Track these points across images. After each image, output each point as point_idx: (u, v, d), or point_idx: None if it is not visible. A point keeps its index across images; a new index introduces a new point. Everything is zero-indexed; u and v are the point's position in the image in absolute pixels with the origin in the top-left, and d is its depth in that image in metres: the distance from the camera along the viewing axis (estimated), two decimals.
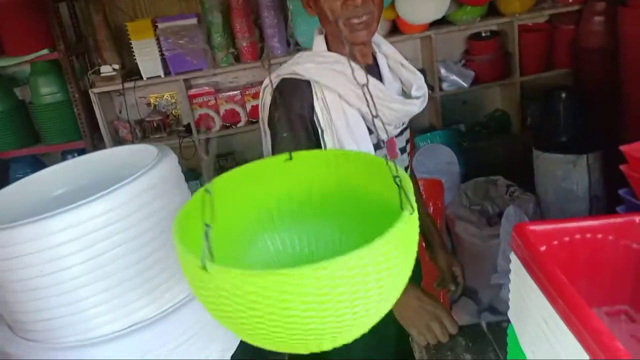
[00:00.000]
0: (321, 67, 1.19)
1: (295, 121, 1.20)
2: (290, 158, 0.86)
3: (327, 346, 0.66)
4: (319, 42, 1.26)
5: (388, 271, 0.62)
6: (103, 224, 0.87)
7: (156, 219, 0.93)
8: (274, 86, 1.20)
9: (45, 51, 2.64)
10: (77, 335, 0.92)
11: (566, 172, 2.46)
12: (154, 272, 0.92)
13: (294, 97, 1.20)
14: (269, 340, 0.64)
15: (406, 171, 1.36)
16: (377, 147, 1.25)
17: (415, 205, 0.66)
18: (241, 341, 1.03)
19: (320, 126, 1.20)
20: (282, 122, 1.19)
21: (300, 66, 1.20)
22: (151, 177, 0.90)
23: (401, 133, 1.35)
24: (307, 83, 1.19)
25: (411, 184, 0.69)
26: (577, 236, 0.86)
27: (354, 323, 0.63)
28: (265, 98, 1.28)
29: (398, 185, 0.67)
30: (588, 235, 0.86)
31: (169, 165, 0.96)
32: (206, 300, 0.66)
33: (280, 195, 0.89)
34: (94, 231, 0.88)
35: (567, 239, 0.86)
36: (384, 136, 1.27)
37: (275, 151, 1.22)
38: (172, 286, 0.94)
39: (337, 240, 0.89)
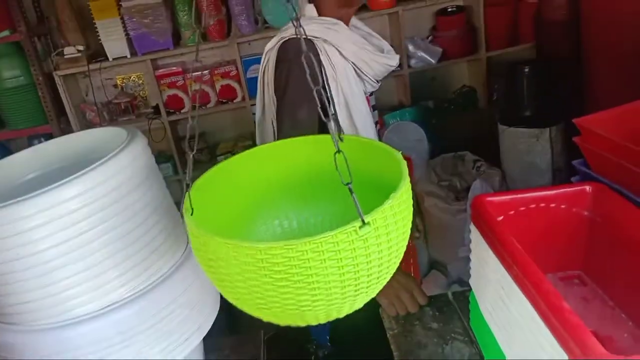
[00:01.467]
0: (323, 27, 1.36)
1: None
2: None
3: (322, 318, 0.70)
4: (311, 9, 1.41)
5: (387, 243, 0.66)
6: (76, 206, 0.88)
7: (129, 200, 0.94)
8: (277, 49, 1.35)
9: (6, 32, 2.57)
10: (54, 317, 0.93)
11: (530, 146, 2.53)
12: (128, 252, 0.93)
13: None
14: (266, 310, 0.67)
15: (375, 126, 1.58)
16: None
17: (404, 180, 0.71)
18: (215, 321, 1.06)
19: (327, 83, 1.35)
20: (295, 81, 1.30)
21: (305, 27, 1.28)
22: (122, 159, 0.92)
23: (371, 93, 1.55)
24: (311, 42, 1.32)
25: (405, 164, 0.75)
26: (532, 206, 0.92)
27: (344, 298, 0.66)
28: (268, 62, 1.40)
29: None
30: (542, 205, 0.92)
31: (139, 147, 0.97)
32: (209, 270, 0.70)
33: (286, 177, 0.96)
34: (68, 214, 0.89)
35: (522, 208, 0.92)
36: (369, 89, 1.49)
37: (294, 115, 1.31)
38: (147, 266, 0.96)
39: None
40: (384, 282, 0.71)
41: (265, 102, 1.45)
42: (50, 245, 0.89)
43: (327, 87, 1.34)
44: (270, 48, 1.40)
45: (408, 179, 0.72)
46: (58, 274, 0.91)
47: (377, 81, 1.49)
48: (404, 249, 0.72)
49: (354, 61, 1.39)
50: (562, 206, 0.91)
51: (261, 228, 0.97)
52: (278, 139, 1.36)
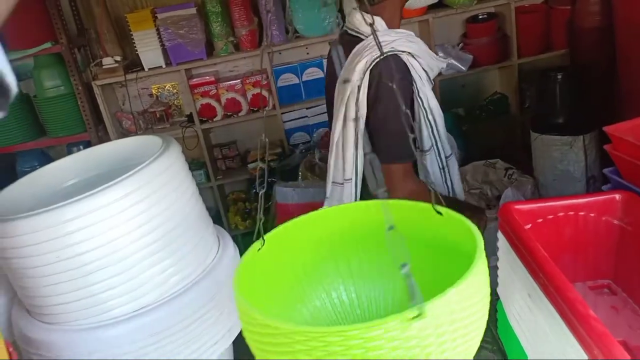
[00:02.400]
0: (406, 41, 1.35)
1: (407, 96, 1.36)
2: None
3: None
4: (380, 22, 1.37)
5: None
6: (115, 211, 0.92)
7: (164, 205, 0.98)
8: (371, 67, 1.30)
9: (47, 44, 2.67)
10: (91, 317, 0.97)
11: (563, 154, 2.48)
12: (162, 255, 0.97)
13: (404, 73, 1.34)
14: None
15: None
16: None
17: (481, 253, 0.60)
18: None
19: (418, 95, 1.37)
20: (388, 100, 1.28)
21: (395, 42, 1.33)
22: (158, 165, 0.95)
23: None
24: (399, 58, 1.32)
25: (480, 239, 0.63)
26: (561, 214, 0.91)
27: None
28: (359, 84, 1.32)
29: (407, 275, 0.56)
30: (571, 213, 0.91)
31: (174, 154, 1.01)
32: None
33: (341, 245, 0.89)
34: (106, 218, 0.93)
35: (551, 217, 0.91)
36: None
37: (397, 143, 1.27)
38: (179, 270, 0.99)
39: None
40: None
41: (347, 125, 1.40)
42: (90, 249, 0.93)
43: (419, 99, 1.37)
44: (360, 69, 1.33)
45: (484, 255, 0.60)
46: (96, 276, 0.95)
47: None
48: (480, 337, 0.62)
49: (426, 69, 1.41)
50: (592, 214, 0.90)
51: (311, 303, 0.90)
52: (381, 156, 1.28)
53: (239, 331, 1.08)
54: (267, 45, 2.27)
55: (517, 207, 0.90)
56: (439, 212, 0.71)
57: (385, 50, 1.31)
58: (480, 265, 0.58)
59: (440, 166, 1.48)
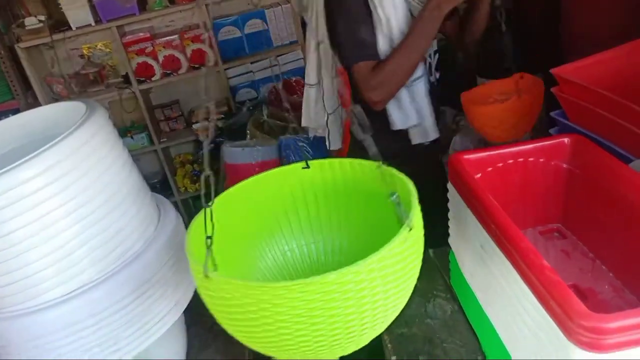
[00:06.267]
0: None
1: None
2: (307, 166, 0.89)
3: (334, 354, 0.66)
4: None
5: (384, 286, 0.60)
6: (37, 186, 0.84)
7: (92, 176, 0.90)
8: None
9: None
10: (24, 302, 0.90)
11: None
12: (95, 230, 0.90)
13: None
14: (279, 349, 0.64)
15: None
16: None
17: (415, 221, 0.64)
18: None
19: None
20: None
21: None
22: (79, 135, 0.87)
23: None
24: None
25: (415, 194, 0.68)
26: (510, 161, 0.89)
27: (350, 336, 0.62)
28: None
29: (396, 202, 0.67)
30: (520, 160, 0.89)
31: (99, 122, 0.92)
32: (214, 308, 0.67)
33: (293, 203, 0.93)
34: (30, 194, 0.85)
35: (500, 164, 0.89)
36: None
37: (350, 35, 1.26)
38: (116, 245, 0.92)
39: (345, 247, 0.93)
40: (392, 318, 0.68)
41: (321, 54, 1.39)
42: (17, 227, 0.85)
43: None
44: None
45: (418, 209, 0.65)
46: (27, 257, 0.87)
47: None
48: (415, 279, 0.67)
49: None
50: (541, 160, 0.89)
51: (266, 256, 0.94)
52: (345, 62, 1.31)
53: (187, 302, 1.03)
54: None
55: (466, 157, 0.87)
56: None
57: None
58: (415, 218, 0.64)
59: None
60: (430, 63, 1.51)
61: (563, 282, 0.58)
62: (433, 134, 1.47)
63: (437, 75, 1.57)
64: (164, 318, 0.93)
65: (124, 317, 0.88)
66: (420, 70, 1.39)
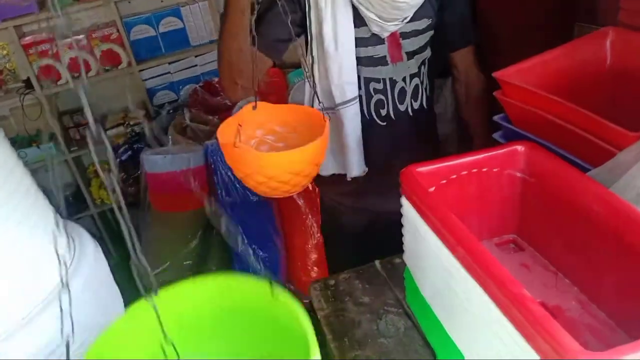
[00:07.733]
0: None
1: None
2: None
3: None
4: None
5: None
6: None
7: None
8: None
9: None
10: None
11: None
12: None
13: None
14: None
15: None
16: (370, 42, 1.23)
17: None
18: None
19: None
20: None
21: None
22: None
23: (415, 35, 1.26)
24: None
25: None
26: (464, 172, 0.85)
27: None
28: None
29: None
30: (474, 170, 0.85)
31: None
32: None
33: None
34: None
35: (454, 176, 0.84)
36: (376, 29, 1.20)
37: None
38: (10, 300, 0.78)
39: None
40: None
41: None
42: None
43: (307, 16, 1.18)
44: None
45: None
46: None
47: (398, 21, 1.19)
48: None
49: None
50: (495, 169, 0.85)
51: None
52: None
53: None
54: None
55: (418, 169, 0.82)
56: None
57: None
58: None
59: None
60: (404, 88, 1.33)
61: (548, 314, 0.53)
62: (355, 171, 1.33)
63: (415, 105, 1.38)
64: None
65: None
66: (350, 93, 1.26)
